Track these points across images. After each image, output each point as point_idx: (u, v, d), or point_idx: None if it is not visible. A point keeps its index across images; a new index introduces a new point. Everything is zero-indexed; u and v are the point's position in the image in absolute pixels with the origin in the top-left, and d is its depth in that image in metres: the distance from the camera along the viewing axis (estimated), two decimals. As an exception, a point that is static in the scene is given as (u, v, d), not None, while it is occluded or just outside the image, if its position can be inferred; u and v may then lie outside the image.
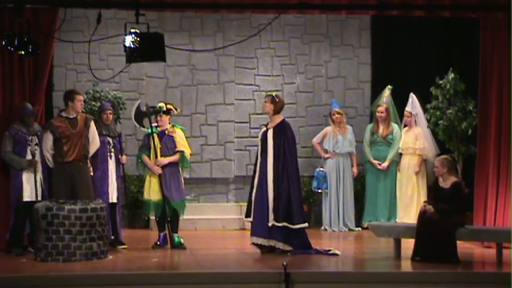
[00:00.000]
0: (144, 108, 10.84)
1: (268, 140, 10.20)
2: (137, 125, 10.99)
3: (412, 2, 10.73)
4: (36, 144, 10.28)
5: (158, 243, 10.70)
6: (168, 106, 10.87)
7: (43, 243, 9.52)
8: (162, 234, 10.74)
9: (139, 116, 10.88)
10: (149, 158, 10.75)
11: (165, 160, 10.68)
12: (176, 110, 11.10)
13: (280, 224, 10.01)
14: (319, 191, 12.80)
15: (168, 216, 10.65)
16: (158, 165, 10.65)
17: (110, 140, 10.72)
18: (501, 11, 10.58)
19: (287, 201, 10.06)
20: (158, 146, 10.69)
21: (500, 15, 10.70)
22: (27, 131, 10.28)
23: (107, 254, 9.81)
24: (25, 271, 9.06)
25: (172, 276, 8.84)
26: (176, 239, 10.64)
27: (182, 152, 10.77)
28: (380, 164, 12.70)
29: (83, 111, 10.56)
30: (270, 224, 10.04)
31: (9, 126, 10.30)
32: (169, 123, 10.87)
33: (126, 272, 9.03)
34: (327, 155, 12.83)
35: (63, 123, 10.27)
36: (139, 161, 10.86)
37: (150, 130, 10.74)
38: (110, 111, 10.83)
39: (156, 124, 10.80)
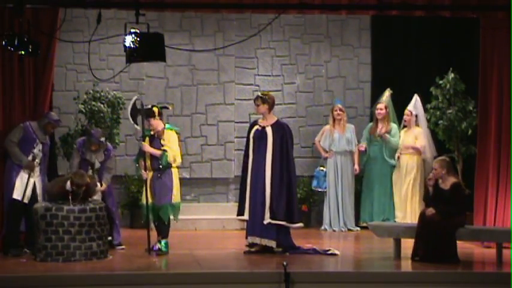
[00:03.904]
0: (139, 106, 10.70)
1: (267, 138, 10.22)
2: (131, 121, 10.70)
3: (412, 2, 10.72)
4: (39, 150, 10.27)
5: (151, 247, 10.36)
6: (154, 109, 10.44)
7: (42, 243, 9.52)
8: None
9: (134, 113, 10.75)
10: (145, 162, 10.48)
11: (149, 148, 10.30)
12: (166, 109, 10.91)
13: (276, 222, 10.04)
14: (319, 190, 12.81)
15: (155, 220, 10.44)
16: (142, 149, 10.36)
17: (89, 167, 10.59)
18: (501, 11, 10.58)
19: (288, 200, 10.10)
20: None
21: (500, 15, 10.70)
22: (40, 136, 10.26)
23: (106, 254, 9.81)
24: (25, 271, 9.06)
25: (172, 276, 8.84)
26: (159, 244, 10.28)
27: (164, 151, 10.29)
28: (362, 146, 12.75)
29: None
30: (265, 222, 10.06)
31: (27, 120, 10.30)
32: (165, 125, 10.50)
33: (126, 272, 9.03)
34: (326, 155, 12.83)
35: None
36: (137, 165, 10.69)
37: (141, 128, 10.55)
38: (96, 147, 10.60)
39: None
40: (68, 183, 9.76)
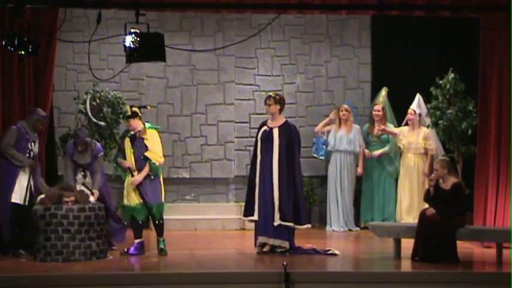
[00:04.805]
0: (94, 102, 10.57)
1: (274, 139, 10.19)
2: (94, 120, 10.63)
3: (412, 2, 10.73)
4: (34, 148, 10.26)
5: (126, 250, 10.15)
6: (133, 109, 10.24)
7: (42, 243, 9.51)
8: (137, 241, 10.19)
9: (95, 111, 10.61)
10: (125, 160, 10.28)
11: (140, 177, 10.07)
12: (145, 108, 10.71)
13: (286, 224, 10.03)
14: (315, 156, 12.86)
15: (148, 219, 10.37)
16: (134, 184, 10.11)
17: (80, 169, 10.53)
18: (501, 11, 10.58)
19: (295, 201, 10.09)
20: (131, 150, 10.21)
21: (500, 15, 10.71)
22: (31, 134, 10.25)
23: (106, 254, 9.81)
24: (25, 271, 9.05)
25: (172, 276, 8.84)
26: (158, 244, 10.19)
27: (149, 160, 10.10)
28: (370, 153, 12.74)
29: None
30: (275, 224, 10.05)
31: (17, 121, 10.27)
32: (144, 124, 10.26)
33: (126, 272, 9.03)
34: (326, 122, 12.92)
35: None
36: (115, 164, 10.38)
37: (106, 123, 10.42)
38: (83, 147, 10.47)
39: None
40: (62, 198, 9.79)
